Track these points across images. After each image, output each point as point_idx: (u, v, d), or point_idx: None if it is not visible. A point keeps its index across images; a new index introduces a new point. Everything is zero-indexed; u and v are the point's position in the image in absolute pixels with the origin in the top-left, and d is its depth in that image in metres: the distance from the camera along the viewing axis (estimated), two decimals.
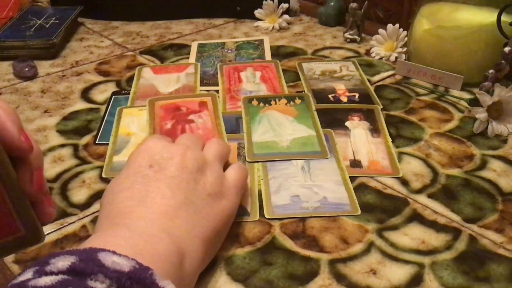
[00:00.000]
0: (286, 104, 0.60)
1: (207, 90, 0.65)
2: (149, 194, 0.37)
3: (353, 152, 0.52)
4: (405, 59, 0.70)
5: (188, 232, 0.36)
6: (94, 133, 0.57)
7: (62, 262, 0.27)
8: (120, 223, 0.35)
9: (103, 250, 0.28)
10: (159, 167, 0.39)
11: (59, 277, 0.26)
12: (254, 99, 0.61)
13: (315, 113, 0.58)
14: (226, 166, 0.45)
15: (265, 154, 0.52)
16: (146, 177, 0.38)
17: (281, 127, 0.56)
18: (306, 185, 0.48)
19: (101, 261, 0.27)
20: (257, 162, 0.51)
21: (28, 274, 0.26)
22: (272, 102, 0.60)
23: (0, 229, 0.29)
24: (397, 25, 0.72)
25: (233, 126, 0.57)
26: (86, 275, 0.26)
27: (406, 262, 0.40)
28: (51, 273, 0.26)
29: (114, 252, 0.28)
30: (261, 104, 0.60)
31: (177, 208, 0.36)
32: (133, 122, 0.58)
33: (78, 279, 0.26)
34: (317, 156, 0.52)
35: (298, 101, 0.60)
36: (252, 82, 0.66)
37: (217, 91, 0.64)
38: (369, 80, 0.67)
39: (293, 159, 0.51)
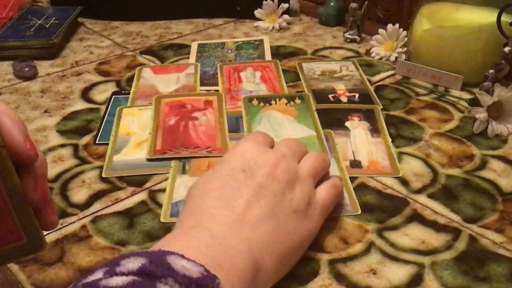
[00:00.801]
0: (286, 104, 0.60)
1: (207, 90, 0.65)
2: (236, 199, 0.36)
3: (353, 152, 0.52)
4: (405, 59, 0.70)
5: (267, 247, 0.35)
6: (94, 133, 0.57)
7: (132, 264, 0.27)
8: (204, 224, 0.35)
9: (172, 253, 0.28)
10: (251, 173, 0.38)
11: (130, 278, 0.26)
12: (254, 98, 0.61)
13: (315, 113, 0.58)
14: (322, 179, 0.43)
15: None
16: (237, 181, 0.38)
17: (282, 127, 0.56)
18: None
19: (170, 265, 0.27)
20: None
21: (99, 274, 0.27)
22: (272, 102, 0.60)
23: (3, 237, 0.29)
24: (397, 25, 0.72)
25: (233, 126, 0.57)
26: (156, 278, 0.26)
27: (406, 262, 0.40)
28: (122, 273, 0.27)
29: (182, 256, 0.28)
30: (261, 104, 0.60)
31: (261, 220, 0.36)
32: (133, 121, 0.58)
33: (148, 282, 0.26)
34: None
35: (298, 101, 0.60)
36: (252, 82, 0.66)
37: (217, 91, 0.64)
38: (369, 80, 0.67)
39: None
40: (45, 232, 0.31)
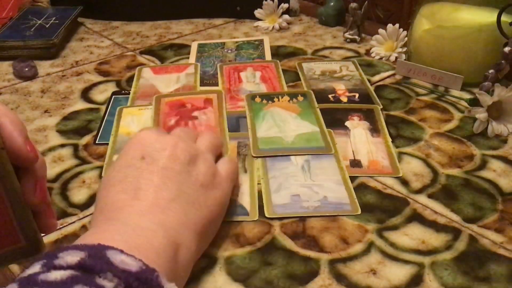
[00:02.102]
0: (288, 101, 0.60)
1: None
2: (142, 186, 0.37)
3: (353, 152, 0.52)
4: (405, 59, 0.70)
5: (181, 223, 0.36)
6: (94, 133, 0.57)
7: (71, 257, 0.27)
8: (115, 217, 0.35)
9: (111, 248, 0.28)
10: (152, 159, 0.39)
11: (68, 272, 0.26)
12: (257, 96, 0.62)
13: (318, 109, 0.59)
14: (217, 160, 0.45)
15: (270, 149, 0.52)
16: (138, 169, 0.38)
17: (285, 123, 0.57)
18: (306, 184, 0.48)
19: (109, 259, 0.27)
20: (263, 157, 0.51)
21: (36, 267, 0.26)
22: (275, 99, 0.61)
23: (1, 239, 0.29)
24: (397, 25, 0.72)
25: (234, 125, 0.57)
26: (95, 272, 0.26)
27: (406, 262, 0.40)
28: (60, 267, 0.26)
29: (121, 251, 0.28)
30: (264, 101, 0.61)
31: (170, 200, 0.37)
32: (133, 121, 0.58)
33: (87, 276, 0.26)
34: (321, 151, 0.52)
35: (300, 98, 0.61)
36: (252, 82, 0.66)
37: None
38: (369, 80, 0.67)
39: (298, 154, 0.52)
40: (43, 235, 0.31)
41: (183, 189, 0.38)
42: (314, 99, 0.61)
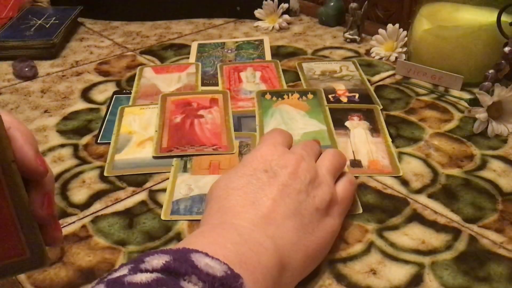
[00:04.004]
0: (298, 98, 0.61)
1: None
2: (261, 197, 0.37)
3: (353, 151, 0.52)
4: (405, 59, 0.70)
5: (292, 244, 0.35)
6: (94, 133, 0.57)
7: (157, 261, 0.27)
8: (230, 221, 0.35)
9: (196, 251, 0.29)
10: (274, 174, 0.39)
11: (154, 275, 0.26)
12: (267, 93, 0.62)
13: (327, 108, 0.59)
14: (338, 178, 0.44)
15: None
16: (260, 180, 0.38)
17: (293, 121, 0.57)
18: None
19: (194, 262, 0.27)
20: None
21: (123, 271, 0.27)
22: (285, 97, 0.61)
23: (7, 250, 0.29)
24: (397, 25, 0.72)
25: (235, 125, 0.57)
26: (180, 275, 0.27)
27: (406, 262, 0.40)
28: (146, 270, 0.27)
29: (206, 254, 0.28)
30: (274, 98, 0.61)
31: (285, 217, 0.36)
32: (134, 120, 0.58)
33: (172, 279, 0.26)
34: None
35: (310, 96, 0.61)
36: (252, 82, 0.66)
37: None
38: (369, 80, 0.67)
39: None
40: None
41: (299, 209, 0.37)
42: (324, 98, 0.61)
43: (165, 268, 0.27)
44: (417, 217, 0.44)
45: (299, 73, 0.69)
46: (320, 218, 0.38)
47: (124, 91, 0.65)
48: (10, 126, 0.29)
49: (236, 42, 0.79)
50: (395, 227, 0.43)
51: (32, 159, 0.29)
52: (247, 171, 0.39)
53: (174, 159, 0.51)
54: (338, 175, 0.44)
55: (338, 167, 0.43)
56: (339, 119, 0.58)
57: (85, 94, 0.65)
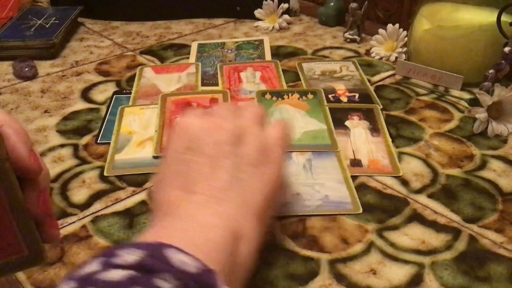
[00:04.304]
0: (298, 98, 0.61)
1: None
2: (193, 179, 0.35)
3: (353, 151, 0.52)
4: (405, 59, 0.70)
5: (240, 212, 0.34)
6: (94, 133, 0.57)
7: (131, 256, 0.26)
8: (172, 213, 0.34)
9: (170, 246, 0.28)
10: (197, 147, 0.37)
11: (127, 272, 0.25)
12: (268, 93, 0.62)
13: (327, 108, 0.59)
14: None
15: None
16: (186, 161, 0.37)
17: (293, 120, 0.57)
18: (307, 183, 0.48)
19: (168, 259, 0.26)
20: None
21: (94, 266, 0.26)
22: (285, 97, 0.61)
23: (4, 249, 0.29)
24: (397, 25, 0.72)
25: None
26: (154, 273, 0.26)
27: (406, 262, 0.40)
28: (119, 266, 0.26)
29: (180, 250, 0.27)
30: (274, 98, 0.61)
31: (224, 189, 0.35)
32: (134, 120, 0.58)
33: (146, 277, 0.25)
34: (327, 148, 0.52)
35: (310, 96, 0.61)
36: (252, 82, 0.66)
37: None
38: (369, 80, 0.67)
39: (304, 151, 0.52)
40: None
41: (235, 175, 0.36)
42: (324, 98, 0.61)
43: (139, 264, 0.26)
44: (417, 217, 0.44)
45: (299, 73, 0.69)
46: (260, 171, 0.37)
47: (124, 91, 0.65)
48: (3, 124, 0.29)
49: (236, 42, 0.79)
50: (395, 227, 0.43)
51: (26, 158, 0.29)
52: (172, 156, 0.38)
53: None
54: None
55: (262, 116, 0.42)
56: (339, 118, 0.58)
57: (85, 94, 0.65)
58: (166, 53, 0.76)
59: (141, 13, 0.89)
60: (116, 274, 0.25)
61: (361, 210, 0.45)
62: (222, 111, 0.40)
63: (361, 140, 0.54)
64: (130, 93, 0.64)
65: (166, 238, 0.29)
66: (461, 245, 0.41)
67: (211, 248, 0.31)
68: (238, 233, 0.33)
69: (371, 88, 0.65)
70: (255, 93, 0.62)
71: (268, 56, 0.74)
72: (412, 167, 0.51)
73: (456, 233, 0.43)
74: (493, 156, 0.52)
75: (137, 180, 0.49)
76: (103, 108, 0.62)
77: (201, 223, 0.33)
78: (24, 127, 0.30)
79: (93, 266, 0.26)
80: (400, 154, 0.53)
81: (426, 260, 0.40)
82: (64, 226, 0.44)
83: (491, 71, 0.60)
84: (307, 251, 0.41)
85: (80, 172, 0.51)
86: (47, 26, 0.79)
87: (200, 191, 0.35)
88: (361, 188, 0.48)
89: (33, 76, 0.70)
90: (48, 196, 0.31)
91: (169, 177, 0.37)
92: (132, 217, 0.45)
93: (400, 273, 0.39)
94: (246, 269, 0.34)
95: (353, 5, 0.77)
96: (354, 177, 0.49)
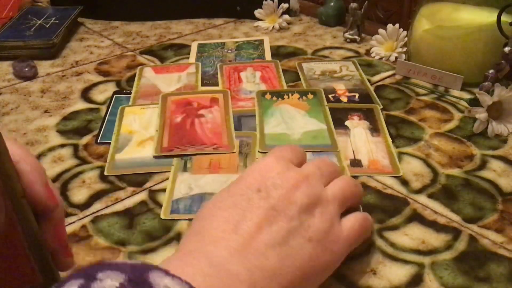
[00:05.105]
0: (298, 98, 0.61)
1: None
2: (246, 222, 0.33)
3: (353, 151, 0.52)
4: (405, 59, 0.70)
5: (271, 279, 0.31)
6: (94, 133, 0.57)
7: (110, 281, 0.24)
8: (205, 248, 0.32)
9: (156, 268, 0.25)
10: (266, 194, 0.34)
11: None
12: (268, 93, 0.62)
13: (327, 108, 0.59)
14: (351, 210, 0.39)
15: (276, 145, 0.52)
16: (250, 201, 0.34)
17: (293, 120, 0.57)
18: None
19: (151, 284, 0.24)
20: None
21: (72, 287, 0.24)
22: (285, 96, 0.61)
23: (21, 278, 0.30)
24: (397, 25, 0.72)
25: (236, 125, 0.57)
26: None
27: (406, 262, 0.40)
28: None
29: (166, 272, 0.25)
30: (274, 98, 0.61)
31: (269, 246, 0.32)
32: (135, 120, 0.58)
33: None
34: (327, 149, 0.52)
35: (310, 96, 0.61)
36: (252, 82, 0.66)
37: None
38: (369, 80, 0.67)
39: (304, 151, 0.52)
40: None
41: (287, 239, 0.33)
42: (324, 97, 0.61)
43: None
44: (417, 217, 0.44)
45: (299, 73, 0.69)
46: (312, 251, 0.33)
47: (124, 91, 0.65)
48: (19, 160, 0.29)
49: (236, 42, 0.79)
50: (395, 227, 0.43)
51: (42, 194, 0.29)
52: (239, 189, 0.35)
53: (174, 158, 0.51)
54: (352, 210, 0.39)
55: (348, 195, 0.38)
56: (339, 118, 0.58)
57: (85, 94, 0.65)
58: (166, 53, 0.76)
59: (141, 13, 0.89)
60: None
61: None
62: (313, 169, 0.37)
63: (361, 140, 0.54)
64: (130, 93, 0.64)
65: (188, 277, 0.27)
66: (461, 245, 0.41)
67: None
68: None
69: (371, 88, 0.65)
70: (255, 93, 0.63)
71: (268, 56, 0.74)
72: (412, 167, 0.51)
73: (456, 233, 0.43)
74: (493, 156, 0.52)
75: (137, 180, 0.49)
76: (103, 108, 0.62)
77: (229, 274, 0.30)
78: (39, 163, 0.31)
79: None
80: (400, 154, 0.53)
81: (426, 260, 0.40)
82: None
83: (491, 71, 0.60)
84: None
85: (80, 172, 0.51)
86: (47, 26, 0.79)
87: (245, 235, 0.32)
88: None
89: (33, 76, 0.70)
90: (64, 227, 0.32)
91: (225, 205, 0.34)
92: (132, 217, 0.45)
93: (400, 273, 0.39)
94: None
95: (353, 5, 0.77)
96: (354, 177, 0.49)
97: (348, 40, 0.78)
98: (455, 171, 0.50)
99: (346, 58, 0.73)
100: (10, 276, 0.30)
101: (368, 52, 0.75)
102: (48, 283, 0.31)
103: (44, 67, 0.73)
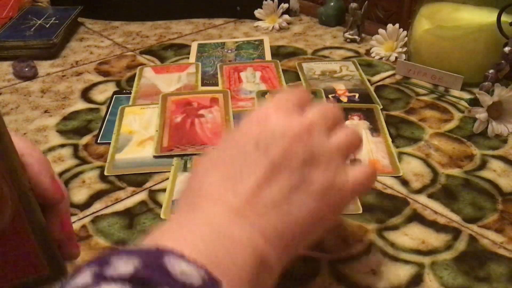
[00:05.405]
0: None
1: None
2: (244, 180, 0.30)
3: None
4: (405, 59, 0.70)
5: (275, 238, 0.30)
6: (94, 133, 0.57)
7: (125, 267, 0.23)
8: (203, 207, 0.30)
9: (171, 252, 0.24)
10: (265, 148, 0.31)
11: (120, 287, 0.22)
12: (268, 93, 0.62)
13: None
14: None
15: None
16: (248, 157, 0.31)
17: None
18: None
19: (167, 269, 0.23)
20: None
21: (86, 277, 0.23)
22: None
23: (29, 269, 0.31)
24: (397, 25, 0.72)
25: (235, 124, 0.57)
26: (151, 286, 0.22)
27: (406, 262, 0.40)
28: (111, 279, 0.22)
29: (182, 257, 0.24)
30: None
31: (270, 205, 0.30)
32: (135, 120, 0.58)
33: None
34: None
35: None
36: (252, 82, 0.66)
37: None
38: (369, 80, 0.67)
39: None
40: None
41: (289, 196, 0.31)
42: (324, 98, 0.61)
43: (134, 276, 0.22)
44: (417, 217, 0.44)
45: (299, 73, 0.69)
46: (316, 205, 0.31)
47: (124, 91, 0.65)
48: (24, 153, 0.30)
49: (236, 42, 0.79)
50: (395, 227, 0.43)
51: (48, 186, 0.30)
52: (236, 143, 0.33)
53: (174, 158, 0.51)
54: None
55: (352, 146, 0.36)
56: None
57: (85, 94, 0.65)
58: (166, 53, 0.76)
59: (141, 13, 0.89)
60: None
61: (361, 210, 0.45)
62: (316, 117, 0.34)
63: None
64: (130, 93, 0.64)
65: (188, 244, 0.26)
66: (461, 245, 0.42)
67: (234, 272, 0.27)
68: (264, 257, 0.29)
69: (371, 88, 0.65)
70: (255, 93, 0.63)
71: (268, 56, 0.74)
72: (412, 167, 0.51)
73: (456, 233, 0.43)
74: (493, 156, 0.52)
75: (137, 180, 0.49)
76: (103, 108, 0.62)
77: (231, 238, 0.28)
78: (45, 156, 0.32)
79: (85, 277, 0.23)
80: (400, 154, 0.53)
81: (426, 260, 0.40)
82: None
83: (491, 71, 0.60)
84: (307, 251, 0.41)
85: (80, 172, 0.51)
86: (47, 26, 0.79)
87: (244, 194, 0.30)
88: None
89: (33, 76, 0.70)
90: (69, 219, 0.32)
91: (222, 162, 0.32)
92: (132, 217, 0.45)
93: (400, 273, 0.39)
94: None
95: (353, 5, 0.77)
96: None
97: (348, 40, 0.78)
98: (455, 171, 0.50)
99: (346, 58, 0.73)
100: (18, 266, 0.31)
101: (368, 52, 0.75)
102: (55, 273, 0.31)
103: (44, 67, 0.73)
